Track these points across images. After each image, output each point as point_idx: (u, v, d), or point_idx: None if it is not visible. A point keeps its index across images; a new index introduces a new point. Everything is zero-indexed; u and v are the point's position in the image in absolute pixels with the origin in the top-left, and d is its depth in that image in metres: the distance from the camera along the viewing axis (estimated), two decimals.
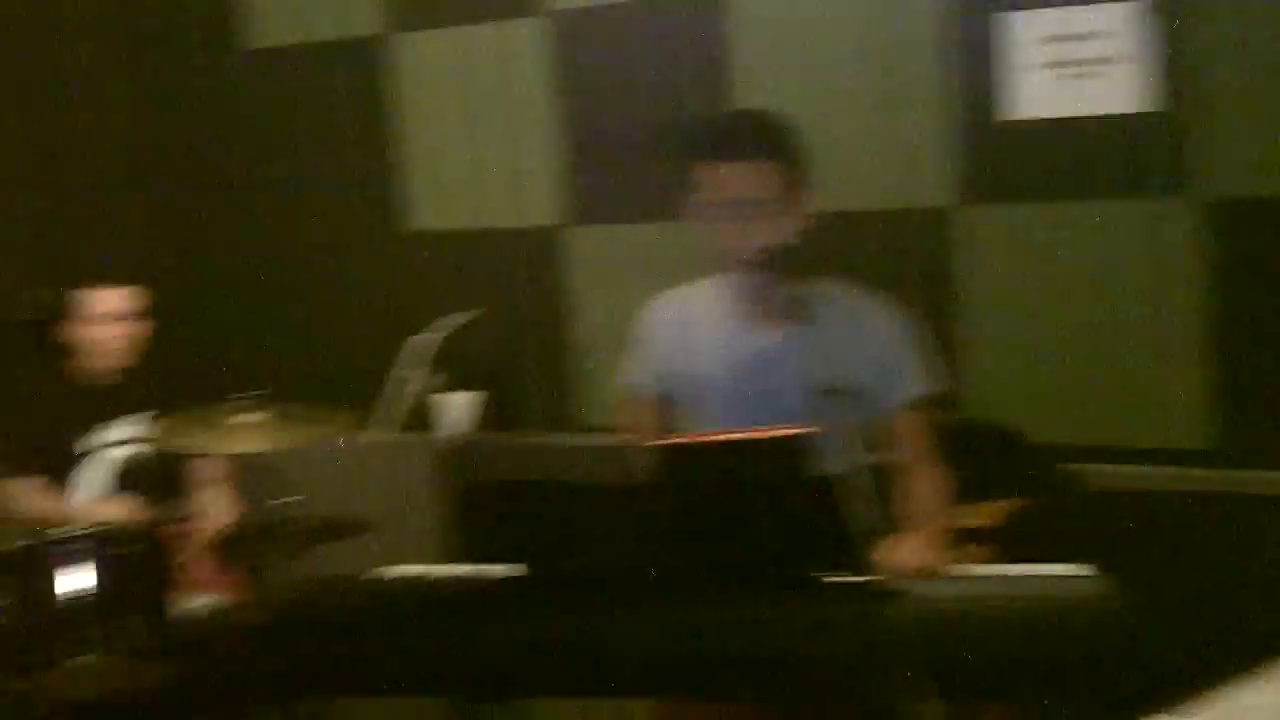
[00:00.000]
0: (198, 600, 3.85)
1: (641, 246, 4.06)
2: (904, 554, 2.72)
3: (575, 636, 2.48)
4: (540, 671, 2.52)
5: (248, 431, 3.79)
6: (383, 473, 4.33)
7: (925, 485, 2.95)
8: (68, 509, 4.19)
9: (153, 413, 4.28)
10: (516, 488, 2.58)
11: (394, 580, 2.77)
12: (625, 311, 4.08)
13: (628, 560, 2.42)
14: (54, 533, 3.54)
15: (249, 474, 3.86)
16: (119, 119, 5.01)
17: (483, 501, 3.96)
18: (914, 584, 2.54)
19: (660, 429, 2.97)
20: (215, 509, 4.31)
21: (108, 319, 4.20)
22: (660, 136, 3.90)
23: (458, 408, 4.38)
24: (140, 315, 4.26)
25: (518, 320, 4.30)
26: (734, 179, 2.79)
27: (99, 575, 3.47)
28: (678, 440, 2.66)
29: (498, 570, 2.69)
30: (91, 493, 4.27)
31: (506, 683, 2.59)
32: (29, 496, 4.24)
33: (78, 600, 3.44)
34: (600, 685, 2.55)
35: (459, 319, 4.13)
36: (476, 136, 4.28)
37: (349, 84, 4.53)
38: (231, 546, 4.24)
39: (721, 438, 2.55)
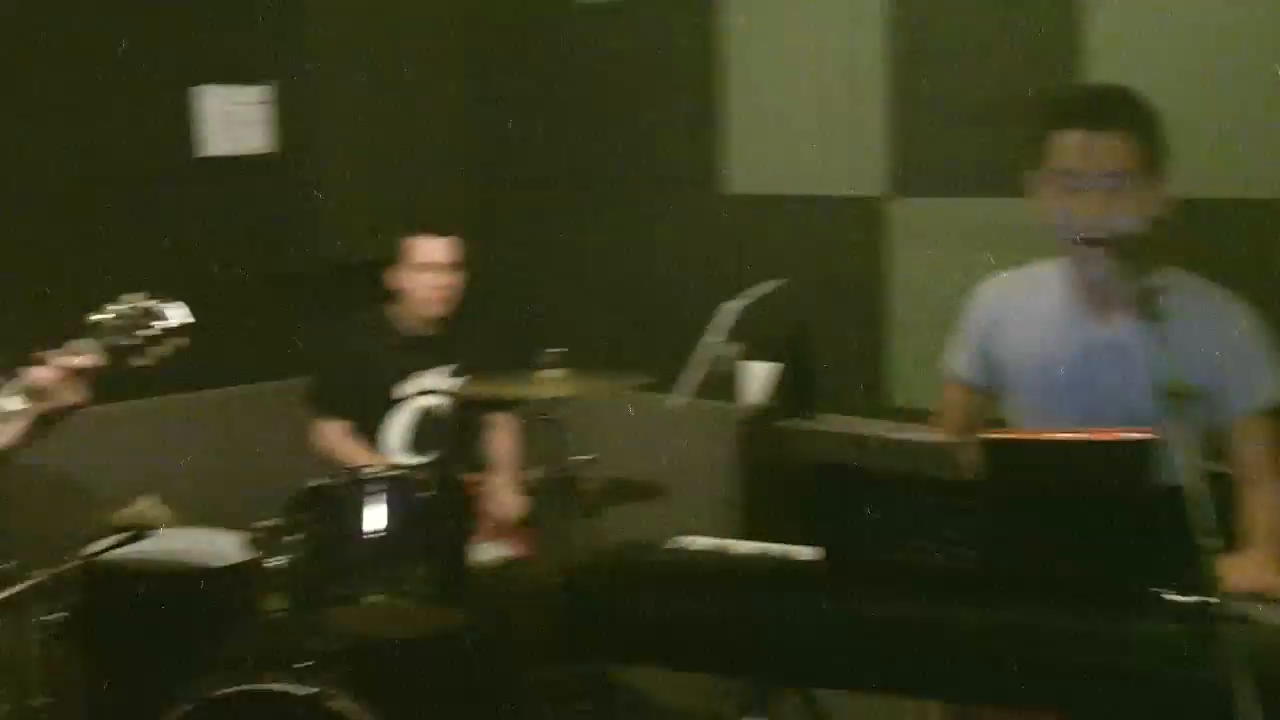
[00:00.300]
0: (489, 551, 3.89)
1: (968, 222, 3.88)
2: (1242, 574, 2.50)
3: (876, 631, 2.35)
4: (835, 663, 2.40)
5: (549, 388, 3.80)
6: (680, 439, 4.28)
7: (1268, 500, 2.72)
8: (374, 452, 4.29)
9: (461, 365, 4.34)
10: (825, 470, 2.44)
11: (696, 552, 2.68)
12: (945, 290, 3.94)
13: (939, 556, 2.28)
14: (359, 473, 3.61)
15: (548, 430, 3.84)
16: (454, 72, 5.07)
17: (785, 479, 3.89)
18: (1253, 607, 2.32)
19: (983, 422, 2.83)
20: (511, 463, 4.34)
21: (430, 268, 4.28)
22: (1004, 106, 3.71)
23: (757, 379, 4.29)
24: (459, 266, 4.33)
25: (828, 292, 4.17)
26: (1098, 149, 2.62)
27: (397, 519, 3.53)
28: (1007, 435, 2.50)
29: (801, 553, 2.57)
30: (397, 439, 4.36)
31: (800, 670, 2.49)
32: (340, 438, 4.35)
33: (374, 541, 3.50)
34: (894, 682, 2.43)
35: (764, 288, 4.03)
36: (803, 100, 4.16)
37: (679, 41, 4.46)
38: (525, 501, 4.28)
39: (1058, 436, 2.38)
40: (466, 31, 5.03)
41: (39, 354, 2.72)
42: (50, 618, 3.64)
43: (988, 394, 2.94)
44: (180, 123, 4.81)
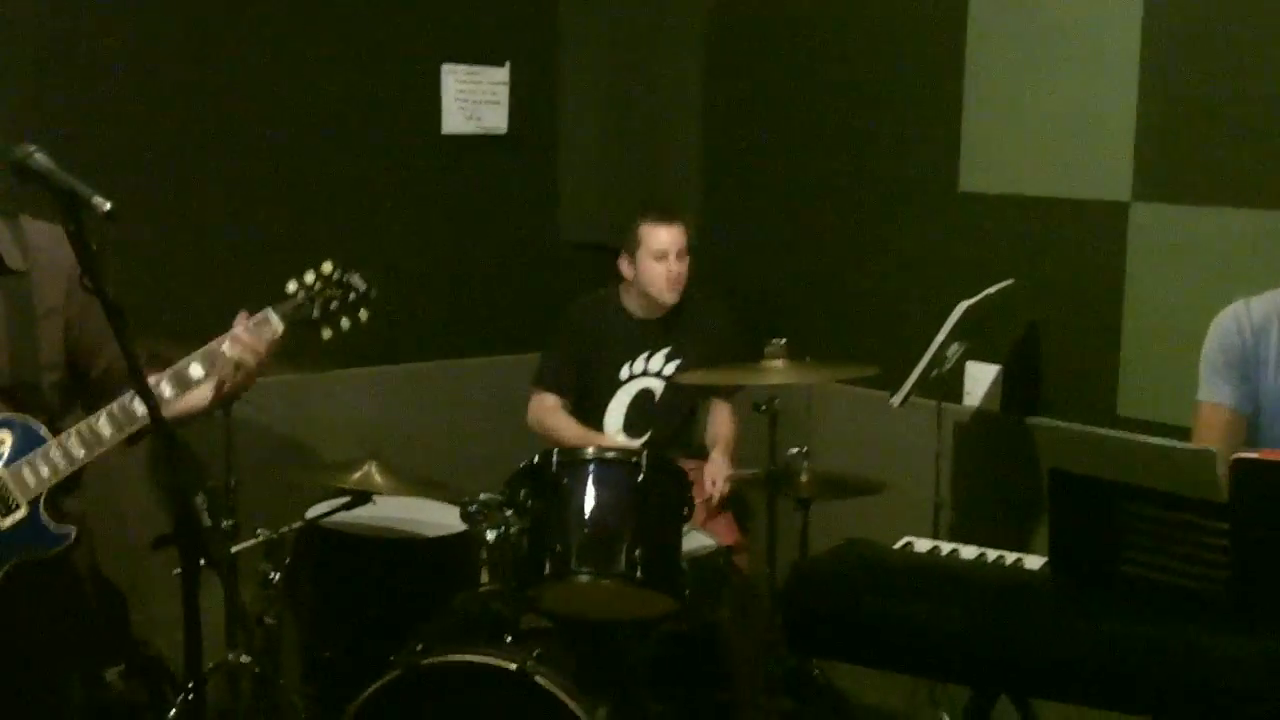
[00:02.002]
0: (701, 539, 3.88)
1: (1214, 232, 3.73)
2: None
3: (1108, 646, 2.27)
4: (1056, 674, 2.34)
5: (772, 378, 3.78)
6: (900, 435, 4.22)
7: None
8: (594, 432, 4.32)
9: (684, 350, 4.35)
10: (1058, 478, 2.36)
11: (923, 554, 2.63)
12: (1184, 302, 3.79)
13: (1183, 575, 2.19)
14: (578, 453, 3.63)
15: (768, 420, 3.82)
16: (695, 60, 5.08)
17: (1019, 486, 3.80)
18: None
19: (1236, 443, 2.76)
20: (728, 451, 4.33)
21: (660, 255, 4.31)
22: (1263, 113, 3.56)
23: (982, 379, 4.21)
24: (687, 254, 4.35)
25: (1062, 296, 4.06)
26: None
27: (613, 500, 3.53)
28: (1265, 456, 2.38)
29: (1027, 560, 2.51)
30: (617, 420, 4.39)
31: (1021, 680, 2.42)
32: (561, 414, 4.40)
33: (589, 521, 3.51)
34: (1116, 698, 2.35)
35: (991, 289, 3.95)
36: (1048, 100, 4.05)
37: (923, 36, 4.39)
38: (739, 490, 4.27)
39: None
40: (710, 20, 5.03)
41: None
42: (270, 576, 3.75)
43: (1244, 417, 2.90)
44: (427, 100, 4.92)
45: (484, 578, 3.66)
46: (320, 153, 4.71)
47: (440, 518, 4.01)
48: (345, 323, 2.95)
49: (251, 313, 2.91)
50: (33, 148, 2.42)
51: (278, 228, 4.62)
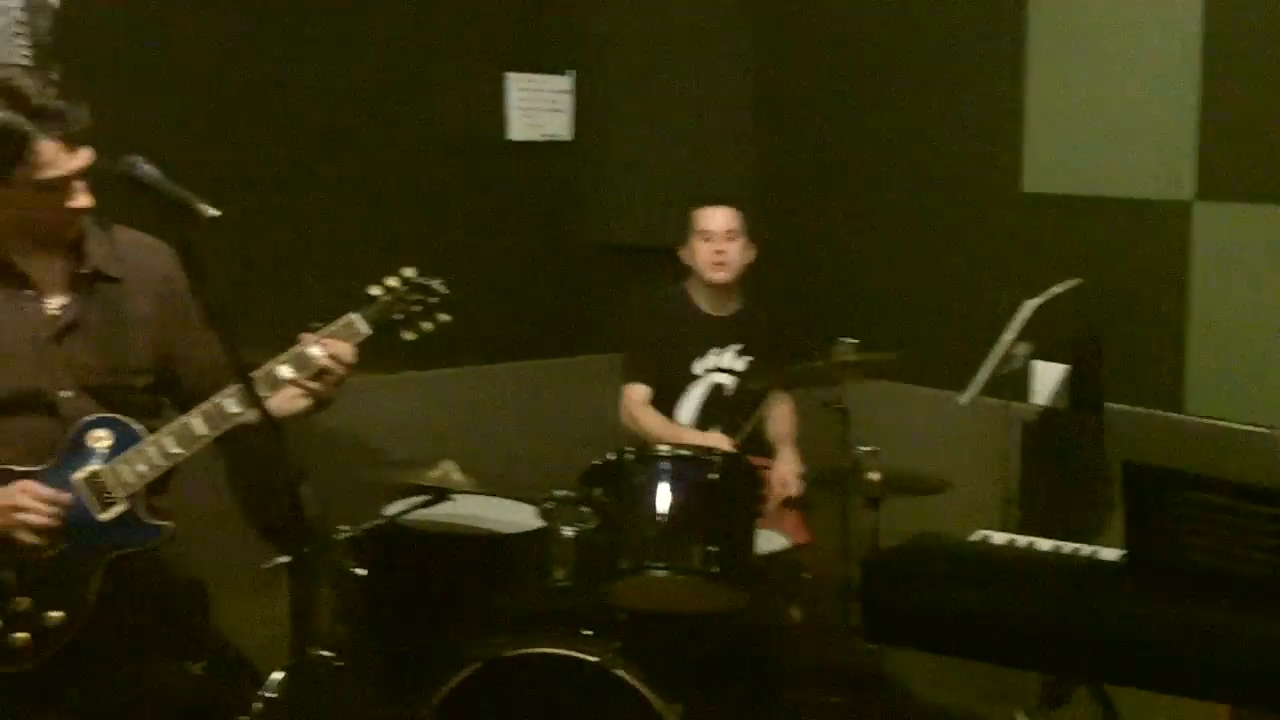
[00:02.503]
0: (771, 535, 3.94)
1: (1273, 230, 3.76)
2: None
3: (1183, 633, 2.32)
4: (1132, 661, 2.38)
5: (838, 376, 3.83)
6: (966, 434, 4.26)
7: None
8: (669, 427, 4.37)
9: (752, 346, 4.41)
10: (1133, 470, 2.41)
11: (999, 546, 2.68)
12: (1249, 300, 3.82)
13: (1256, 562, 2.24)
14: (651, 450, 3.70)
15: (835, 418, 3.87)
16: (746, 63, 5.15)
17: (1087, 484, 3.84)
18: None
19: None
20: (793, 461, 4.37)
21: (711, 235, 4.38)
22: None
23: (1047, 378, 4.24)
24: (737, 235, 4.40)
25: (1126, 295, 4.09)
26: None
27: (686, 496, 3.60)
28: None
29: (1103, 553, 2.55)
30: (690, 414, 4.45)
31: (1096, 667, 2.47)
32: (640, 409, 4.47)
33: (662, 517, 3.58)
34: (1191, 686, 2.40)
35: (1057, 288, 3.99)
36: (1110, 100, 4.08)
37: (983, 35, 4.43)
38: (808, 489, 4.31)
39: None
40: (759, 21, 5.09)
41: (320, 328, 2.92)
42: (351, 572, 3.83)
43: None
44: (491, 108, 5.00)
45: (559, 574, 3.74)
46: (389, 159, 4.80)
47: (515, 515, 4.07)
48: (426, 325, 3.04)
49: (324, 319, 3.00)
50: (138, 158, 2.53)
51: (348, 233, 4.71)
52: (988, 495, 4.05)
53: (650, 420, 4.41)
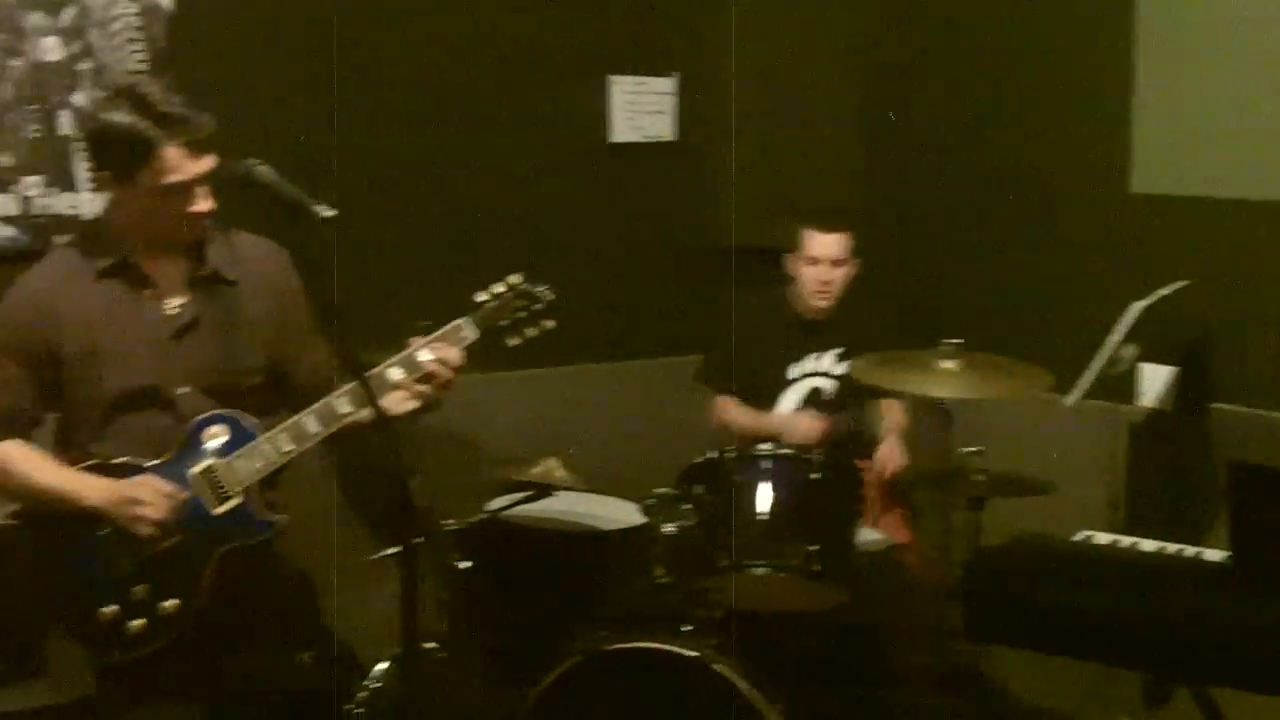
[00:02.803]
0: (872, 536, 3.95)
1: None
2: None
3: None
4: (1237, 663, 2.37)
5: (942, 377, 3.82)
6: (1072, 436, 4.23)
7: None
8: (766, 427, 4.39)
9: (852, 349, 4.40)
10: (1239, 470, 2.39)
11: (1102, 546, 2.68)
12: None
13: None
14: (752, 449, 3.73)
15: (937, 419, 3.86)
16: (856, 65, 5.16)
17: (1194, 487, 3.81)
18: None
19: None
20: (898, 450, 4.38)
21: (817, 261, 4.38)
22: None
23: (1155, 381, 4.21)
24: (851, 259, 4.41)
25: (1237, 297, 4.04)
26: None
27: (786, 495, 3.62)
28: None
29: (1208, 554, 2.54)
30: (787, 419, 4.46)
31: (1202, 668, 2.46)
32: (735, 413, 4.50)
33: (763, 515, 3.60)
34: None
35: (1164, 290, 3.96)
36: (1221, 101, 4.04)
37: (1092, 38, 4.40)
38: (910, 489, 4.31)
39: None
40: (871, 27, 5.09)
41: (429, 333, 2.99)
42: (455, 566, 3.90)
43: None
44: (595, 110, 5.06)
45: (659, 571, 3.78)
46: (493, 161, 4.87)
47: (616, 513, 4.12)
48: (531, 331, 3.11)
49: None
50: (256, 161, 2.61)
51: (454, 234, 4.79)
52: (1094, 497, 4.02)
53: (745, 426, 4.42)
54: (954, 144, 4.86)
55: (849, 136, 5.16)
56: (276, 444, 2.95)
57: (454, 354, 3.02)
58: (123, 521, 2.86)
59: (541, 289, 3.12)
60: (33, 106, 4.13)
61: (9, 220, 4.14)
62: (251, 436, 2.96)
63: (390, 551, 3.53)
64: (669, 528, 3.71)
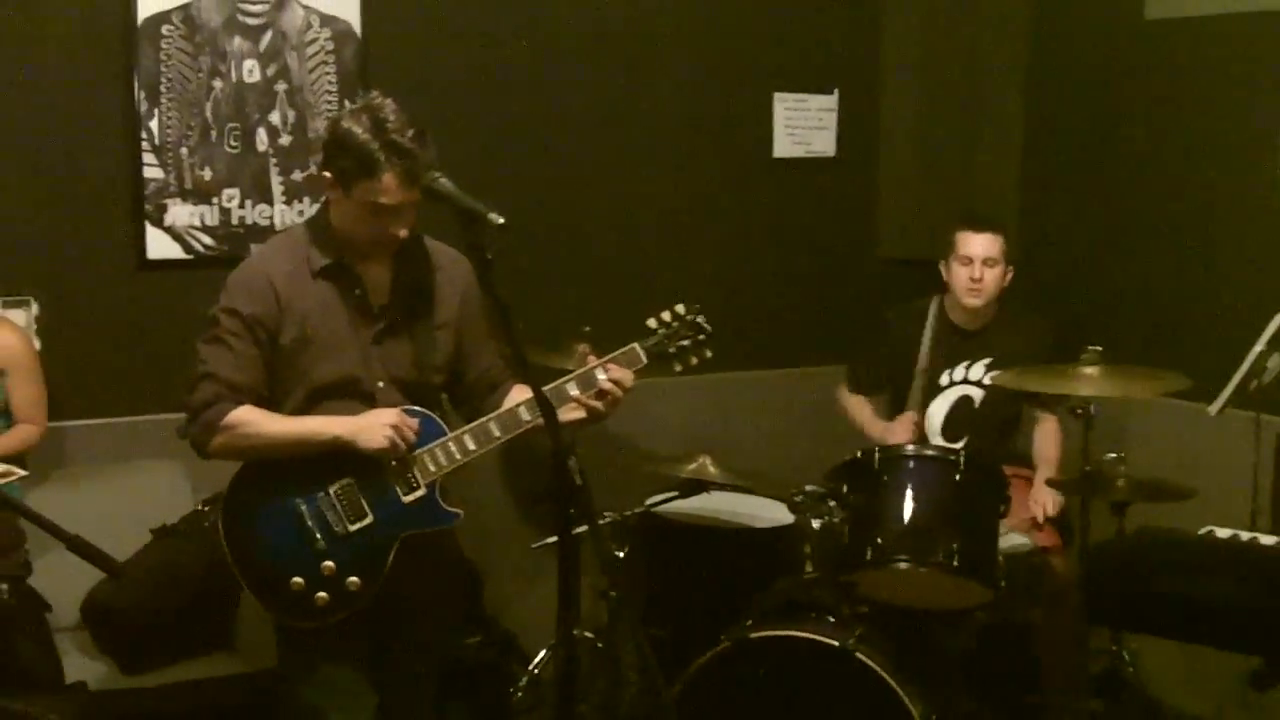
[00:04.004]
0: (1016, 539, 4.03)
1: None
2: None
3: None
4: None
5: (1089, 383, 3.88)
6: (1215, 444, 4.27)
7: None
8: (904, 429, 4.49)
9: (1001, 358, 4.47)
10: None
11: (1223, 538, 2.76)
12: None
13: None
14: (899, 449, 3.87)
15: (1080, 426, 3.94)
16: (1015, 82, 5.25)
17: None
18: None
19: None
20: (1050, 458, 4.42)
21: (971, 260, 4.45)
22: None
23: None
24: (1004, 263, 4.47)
25: None
26: None
27: (932, 495, 3.76)
28: None
29: None
30: (937, 425, 4.54)
31: None
32: (872, 414, 4.61)
33: (908, 513, 3.74)
34: None
35: None
36: None
37: (1249, 56, 4.44)
38: (1058, 496, 4.36)
39: None
40: (1030, 43, 5.18)
41: (595, 354, 3.20)
42: (614, 556, 4.10)
43: None
44: (760, 126, 5.25)
45: (806, 565, 3.93)
46: (661, 174, 5.10)
47: (764, 511, 4.29)
48: (693, 360, 3.30)
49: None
50: (437, 173, 2.86)
51: (621, 244, 5.05)
52: (1235, 505, 4.05)
53: (885, 428, 4.52)
54: (1109, 154, 4.92)
55: (1011, 149, 5.25)
56: (463, 443, 3.16)
57: (626, 375, 3.21)
58: (370, 440, 3.05)
59: (702, 319, 3.30)
60: (233, 125, 4.46)
61: (210, 230, 4.47)
62: (441, 433, 3.17)
63: (550, 541, 3.75)
64: (816, 523, 3.88)
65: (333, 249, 3.15)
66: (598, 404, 3.18)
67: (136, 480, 4.32)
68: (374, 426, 3.08)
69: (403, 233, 3.10)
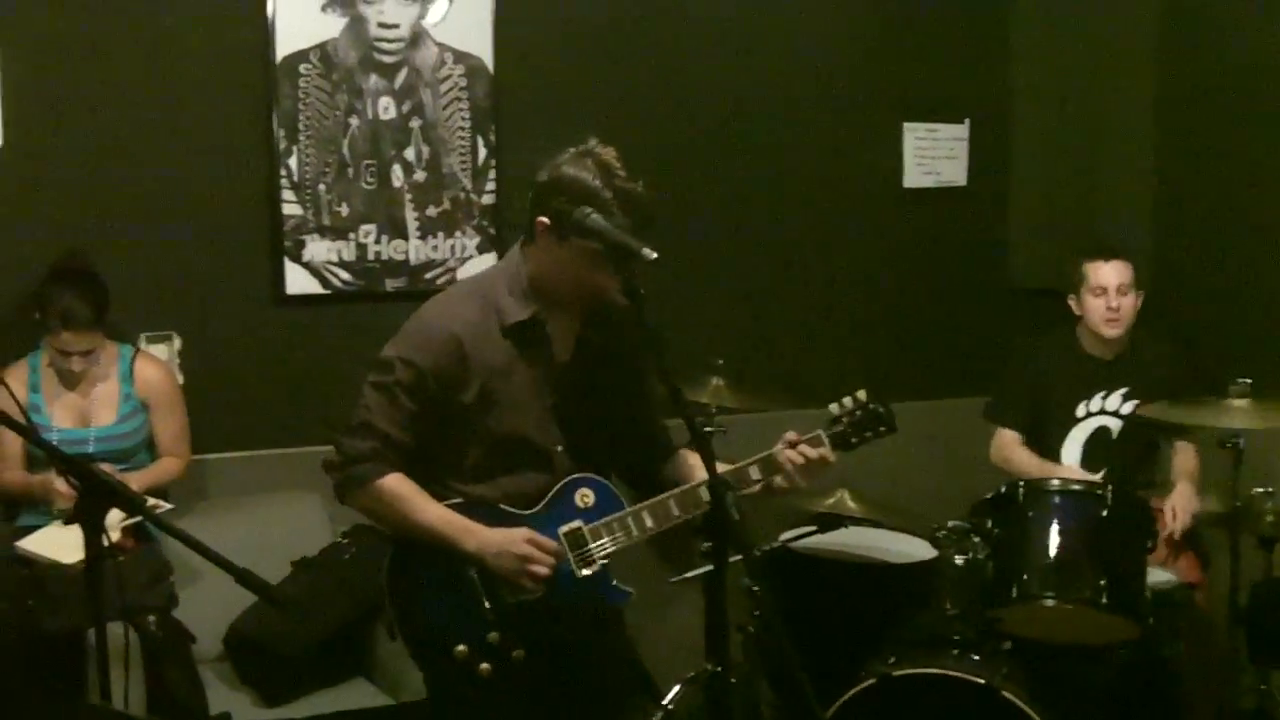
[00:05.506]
0: (1162, 575, 3.96)
1: None
2: None
3: None
4: None
5: (1238, 415, 3.81)
6: None
7: None
8: (1044, 466, 4.44)
9: (1140, 388, 4.40)
10: None
11: None
12: None
13: None
14: (1042, 484, 3.82)
15: (1232, 457, 3.86)
16: (1145, 109, 5.19)
17: None
18: None
19: None
20: (1190, 497, 4.32)
21: (1102, 290, 4.41)
22: None
23: None
24: (1129, 290, 4.42)
25: None
26: None
27: (1076, 529, 3.71)
28: None
29: None
30: (1074, 455, 4.50)
31: None
32: (1017, 448, 4.56)
33: (1053, 548, 3.69)
34: None
35: None
36: None
37: None
38: (1202, 528, 4.29)
39: None
40: (1159, 69, 5.12)
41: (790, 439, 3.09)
42: (752, 590, 4.07)
43: None
44: (890, 156, 5.24)
45: (949, 601, 3.88)
46: (791, 205, 5.11)
47: (903, 546, 4.24)
48: (873, 439, 3.14)
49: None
50: (589, 210, 2.82)
51: (753, 274, 5.07)
52: None
53: (1024, 460, 4.48)
54: (1245, 181, 4.83)
55: (1144, 178, 5.18)
56: (640, 520, 3.05)
57: (812, 465, 3.07)
58: (502, 573, 2.97)
59: (883, 407, 3.13)
60: (369, 161, 4.52)
61: (347, 265, 4.53)
62: (617, 505, 3.07)
63: (695, 573, 3.73)
64: (959, 559, 3.84)
65: (529, 302, 3.01)
66: (780, 483, 3.08)
67: (277, 512, 4.38)
68: (505, 555, 2.97)
69: (612, 293, 2.95)
